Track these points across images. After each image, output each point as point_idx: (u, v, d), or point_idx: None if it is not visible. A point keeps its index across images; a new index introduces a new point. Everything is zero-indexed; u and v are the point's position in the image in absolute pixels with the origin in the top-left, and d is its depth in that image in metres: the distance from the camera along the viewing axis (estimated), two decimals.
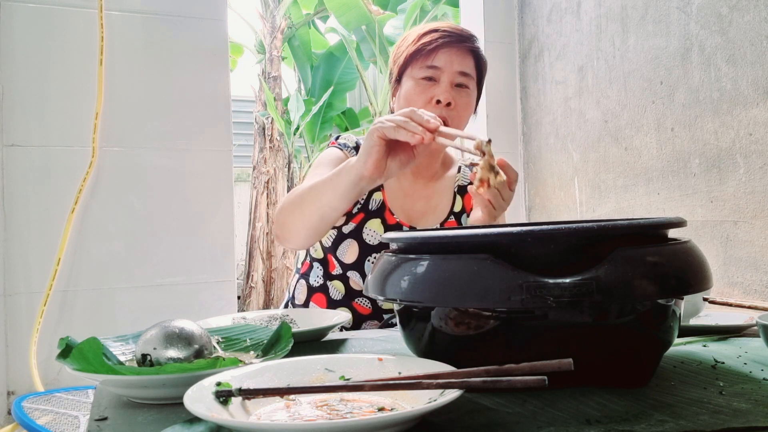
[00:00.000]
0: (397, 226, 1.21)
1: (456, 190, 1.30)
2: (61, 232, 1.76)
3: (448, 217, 1.27)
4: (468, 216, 1.29)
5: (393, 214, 1.22)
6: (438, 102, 1.14)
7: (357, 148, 1.24)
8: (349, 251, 1.20)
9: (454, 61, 1.15)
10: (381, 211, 1.22)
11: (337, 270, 1.23)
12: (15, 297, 1.73)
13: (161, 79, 1.89)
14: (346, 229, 1.20)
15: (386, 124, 0.91)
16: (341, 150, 1.23)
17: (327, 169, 1.15)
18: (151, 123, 1.88)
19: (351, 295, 1.22)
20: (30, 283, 1.75)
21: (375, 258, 1.19)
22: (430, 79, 1.15)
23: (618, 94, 1.89)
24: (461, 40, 1.17)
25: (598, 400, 0.55)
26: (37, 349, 1.71)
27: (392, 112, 1.23)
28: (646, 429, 0.48)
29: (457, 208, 1.28)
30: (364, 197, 1.21)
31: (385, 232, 1.20)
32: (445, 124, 1.10)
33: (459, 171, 1.33)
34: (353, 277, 1.21)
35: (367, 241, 1.20)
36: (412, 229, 1.22)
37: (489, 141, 0.89)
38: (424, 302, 0.58)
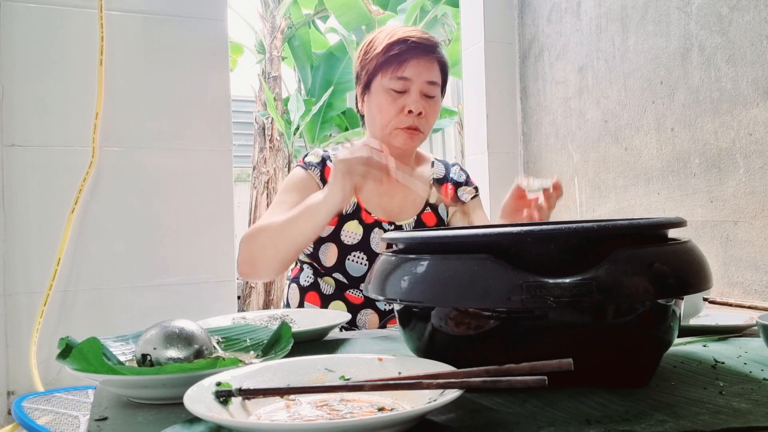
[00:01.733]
0: (377, 224, 1.25)
1: (431, 183, 1.34)
2: (61, 232, 1.76)
3: (424, 209, 1.30)
4: (447, 206, 1.34)
5: (370, 213, 1.25)
6: (410, 111, 1.19)
7: (323, 161, 1.27)
8: (329, 254, 1.23)
9: (423, 72, 1.20)
10: (357, 213, 1.25)
11: (323, 271, 1.26)
12: (15, 297, 1.73)
13: (161, 79, 1.89)
14: (323, 233, 1.23)
15: (354, 175, 1.02)
16: (306, 170, 1.26)
17: (293, 195, 1.21)
18: (151, 123, 1.88)
19: (342, 288, 1.25)
20: (30, 283, 1.75)
21: (355, 256, 1.22)
22: (401, 88, 1.19)
23: (618, 94, 1.89)
24: (428, 51, 1.21)
25: (598, 400, 0.55)
26: (37, 349, 1.71)
27: (361, 115, 1.30)
28: (646, 429, 0.48)
29: (433, 199, 1.33)
30: None
31: (364, 230, 1.23)
32: (416, 131, 1.22)
33: (433, 166, 1.38)
34: (338, 277, 1.24)
35: (345, 242, 1.23)
36: (392, 224, 1.26)
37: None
38: (424, 302, 0.58)
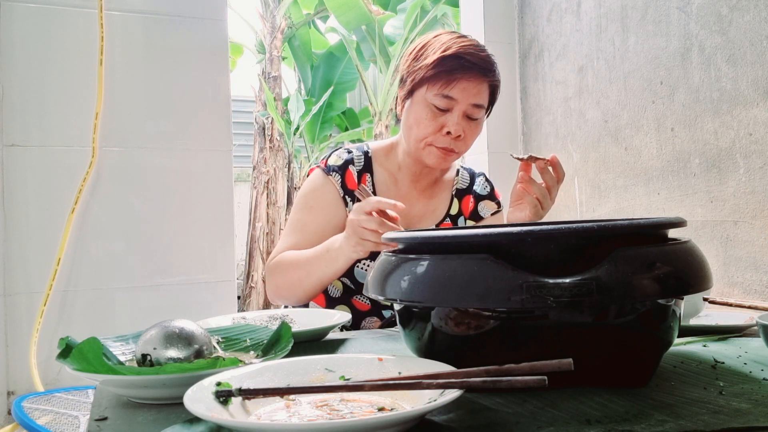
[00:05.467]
0: None
1: (454, 193, 1.30)
2: (61, 232, 1.76)
3: (444, 219, 1.27)
4: (466, 219, 1.30)
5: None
6: (448, 133, 1.14)
7: (345, 165, 1.23)
8: None
9: (470, 94, 1.13)
10: None
11: None
12: (15, 297, 1.73)
13: (161, 79, 1.89)
14: None
15: (366, 243, 1.01)
16: (327, 175, 1.22)
17: (313, 215, 1.21)
18: (151, 123, 1.88)
19: (349, 293, 1.23)
20: (30, 283, 1.75)
21: (363, 263, 1.19)
22: (443, 107, 1.13)
23: (618, 94, 1.89)
24: (482, 73, 1.13)
25: (598, 400, 0.55)
26: (37, 349, 1.71)
27: (398, 119, 1.24)
28: (646, 429, 0.48)
29: (454, 210, 1.29)
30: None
31: None
32: (452, 152, 1.17)
33: (458, 174, 1.33)
34: (345, 282, 1.23)
35: None
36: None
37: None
38: (424, 302, 0.58)
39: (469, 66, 1.12)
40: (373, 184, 1.24)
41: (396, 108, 1.26)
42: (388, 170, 1.27)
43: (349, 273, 1.20)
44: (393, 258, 0.63)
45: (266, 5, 5.24)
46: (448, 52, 1.13)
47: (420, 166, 1.24)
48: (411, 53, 1.20)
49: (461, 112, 1.14)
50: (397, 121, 1.24)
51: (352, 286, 1.22)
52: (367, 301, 1.22)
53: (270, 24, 5.21)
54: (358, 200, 1.10)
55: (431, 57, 1.14)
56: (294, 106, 5.29)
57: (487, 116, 1.23)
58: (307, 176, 1.28)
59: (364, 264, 1.20)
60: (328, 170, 1.23)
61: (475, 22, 2.47)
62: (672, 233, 0.66)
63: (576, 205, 2.09)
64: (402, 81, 1.21)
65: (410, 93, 1.18)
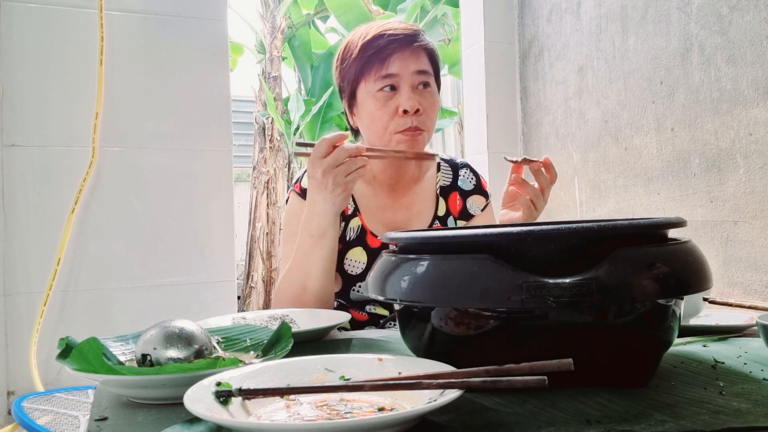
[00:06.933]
0: (385, 248, 1.10)
1: (438, 192, 1.24)
2: (61, 232, 1.76)
3: (432, 222, 1.21)
4: (456, 219, 1.24)
5: (376, 236, 1.16)
6: (405, 112, 1.08)
7: None
8: (335, 283, 1.16)
9: (410, 63, 1.08)
10: (362, 238, 1.16)
11: None
12: (15, 297, 1.73)
13: (161, 79, 1.89)
14: None
15: (341, 179, 0.97)
16: (305, 200, 1.12)
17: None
18: (151, 123, 1.88)
19: (345, 307, 1.20)
20: (30, 283, 1.74)
21: (359, 286, 1.15)
22: (390, 87, 1.09)
23: (618, 94, 1.89)
24: (410, 41, 1.09)
25: (598, 400, 0.55)
26: (37, 349, 1.71)
27: (356, 130, 1.20)
28: (646, 429, 0.48)
29: (441, 211, 1.22)
30: (341, 227, 1.16)
31: (369, 258, 1.15)
32: (417, 130, 1.10)
33: (439, 170, 1.26)
34: (342, 302, 1.20)
35: (349, 271, 1.16)
36: None
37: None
38: (424, 302, 0.58)
39: (394, 38, 1.08)
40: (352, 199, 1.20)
41: (347, 123, 1.21)
42: (364, 180, 1.21)
43: (345, 294, 1.17)
44: (393, 258, 0.63)
45: (266, 5, 5.24)
46: (369, 37, 1.10)
47: (394, 167, 1.18)
48: (337, 59, 1.16)
49: (409, 86, 1.09)
50: (355, 133, 1.19)
51: (347, 305, 1.19)
52: (364, 313, 1.19)
53: (270, 24, 5.20)
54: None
55: (356, 50, 1.11)
56: (294, 106, 5.29)
57: (439, 88, 1.17)
58: (286, 202, 1.23)
59: (359, 286, 1.16)
60: (303, 194, 1.17)
61: (475, 22, 2.47)
62: (672, 233, 0.66)
63: (576, 205, 2.09)
64: (341, 91, 1.17)
65: (353, 96, 1.14)
